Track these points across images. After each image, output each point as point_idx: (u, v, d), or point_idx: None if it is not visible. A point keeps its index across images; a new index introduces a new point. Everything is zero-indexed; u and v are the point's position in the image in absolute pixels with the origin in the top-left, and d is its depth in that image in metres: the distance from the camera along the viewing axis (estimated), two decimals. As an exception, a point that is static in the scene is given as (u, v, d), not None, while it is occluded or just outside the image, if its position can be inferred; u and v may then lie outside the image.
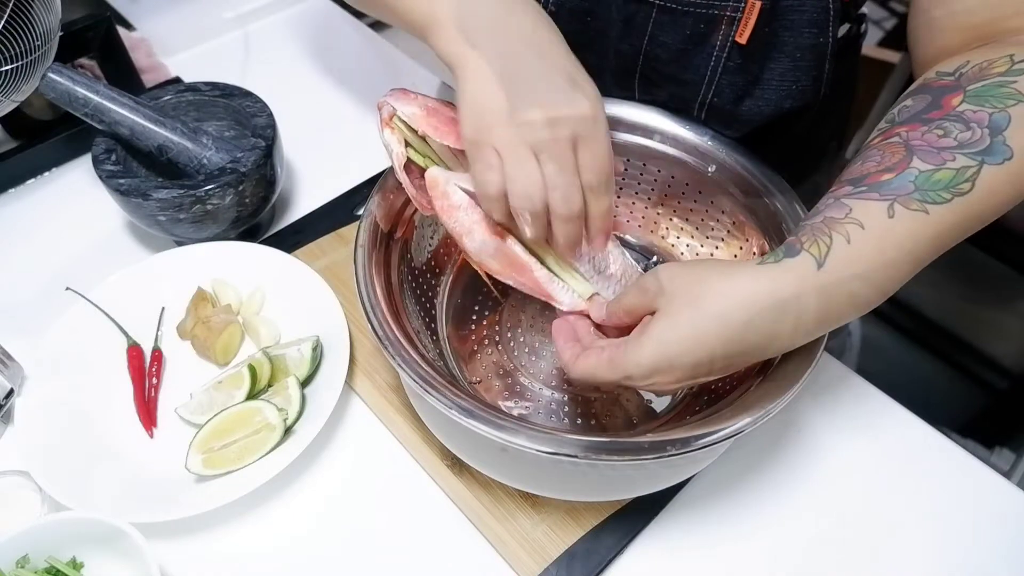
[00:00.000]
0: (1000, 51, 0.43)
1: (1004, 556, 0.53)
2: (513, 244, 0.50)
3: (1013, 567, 0.53)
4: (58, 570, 0.47)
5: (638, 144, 0.60)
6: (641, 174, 0.61)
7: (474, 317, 0.61)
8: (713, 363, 0.38)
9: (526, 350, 0.59)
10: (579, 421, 0.56)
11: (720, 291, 0.37)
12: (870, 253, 0.38)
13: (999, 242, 1.07)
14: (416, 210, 0.55)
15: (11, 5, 0.49)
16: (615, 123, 0.59)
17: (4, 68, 0.50)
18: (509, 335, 0.60)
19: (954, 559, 0.53)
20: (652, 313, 0.41)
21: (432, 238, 0.60)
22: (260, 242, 0.67)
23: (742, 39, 0.52)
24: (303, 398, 0.57)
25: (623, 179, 0.62)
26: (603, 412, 0.56)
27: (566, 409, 0.56)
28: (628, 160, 0.61)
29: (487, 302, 0.62)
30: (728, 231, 0.59)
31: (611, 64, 0.61)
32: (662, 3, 0.54)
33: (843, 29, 0.60)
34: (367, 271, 0.50)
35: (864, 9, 0.64)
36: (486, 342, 0.60)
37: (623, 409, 0.56)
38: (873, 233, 0.38)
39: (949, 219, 0.39)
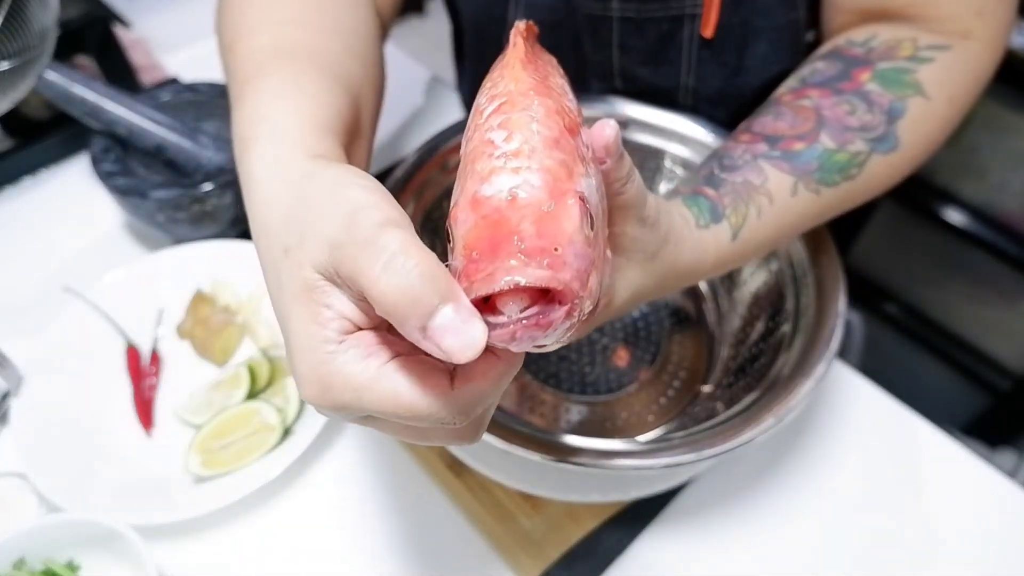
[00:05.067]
0: (905, 31, 0.46)
1: (1007, 556, 0.53)
2: None
3: (1015, 567, 0.53)
4: (55, 572, 0.46)
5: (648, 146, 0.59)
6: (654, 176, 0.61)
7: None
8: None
9: (537, 354, 0.59)
10: (588, 424, 0.56)
11: (680, 260, 0.39)
12: (768, 230, 0.42)
13: (1003, 242, 1.07)
14: (426, 211, 0.54)
15: (8, 3, 0.49)
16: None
17: (0, 67, 0.50)
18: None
19: (956, 559, 0.53)
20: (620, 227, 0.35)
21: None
22: (259, 242, 0.67)
23: (707, 33, 0.53)
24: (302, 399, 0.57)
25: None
26: (609, 415, 0.56)
27: (574, 410, 0.56)
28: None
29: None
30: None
31: (590, 69, 0.61)
32: (621, 16, 0.55)
33: None
34: None
35: None
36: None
37: (632, 411, 0.56)
38: (777, 209, 0.42)
39: (832, 200, 0.44)
